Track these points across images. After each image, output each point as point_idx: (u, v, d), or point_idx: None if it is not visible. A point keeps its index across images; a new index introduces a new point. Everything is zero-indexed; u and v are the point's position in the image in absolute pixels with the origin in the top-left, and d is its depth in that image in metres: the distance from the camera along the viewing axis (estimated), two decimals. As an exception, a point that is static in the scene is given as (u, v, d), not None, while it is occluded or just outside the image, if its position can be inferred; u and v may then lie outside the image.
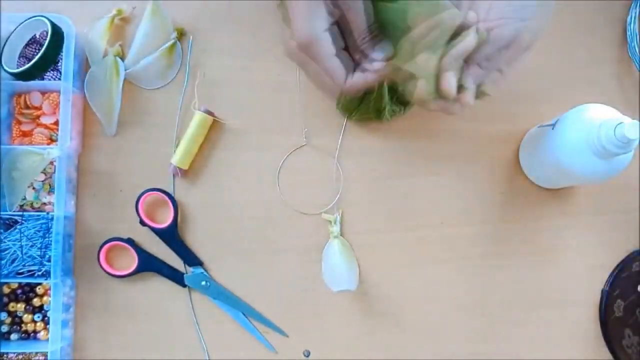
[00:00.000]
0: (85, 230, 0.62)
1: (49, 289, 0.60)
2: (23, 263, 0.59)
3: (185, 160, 0.62)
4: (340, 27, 0.48)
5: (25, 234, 0.59)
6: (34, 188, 0.61)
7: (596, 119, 0.49)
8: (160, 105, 0.63)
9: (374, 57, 0.47)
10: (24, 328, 0.60)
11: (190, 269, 0.62)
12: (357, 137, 0.63)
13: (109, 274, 0.61)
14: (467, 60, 0.46)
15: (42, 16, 0.61)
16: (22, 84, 0.61)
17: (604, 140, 0.48)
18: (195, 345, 0.61)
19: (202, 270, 0.62)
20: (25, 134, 0.62)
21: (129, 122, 0.63)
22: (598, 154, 0.49)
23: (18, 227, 0.59)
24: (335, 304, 0.61)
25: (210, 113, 0.62)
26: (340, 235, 0.62)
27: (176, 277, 0.61)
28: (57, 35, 0.60)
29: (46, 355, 0.58)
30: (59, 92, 0.61)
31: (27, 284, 0.60)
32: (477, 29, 0.45)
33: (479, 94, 0.48)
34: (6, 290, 0.61)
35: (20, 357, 0.60)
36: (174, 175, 0.63)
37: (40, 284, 0.60)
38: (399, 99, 0.60)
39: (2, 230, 0.59)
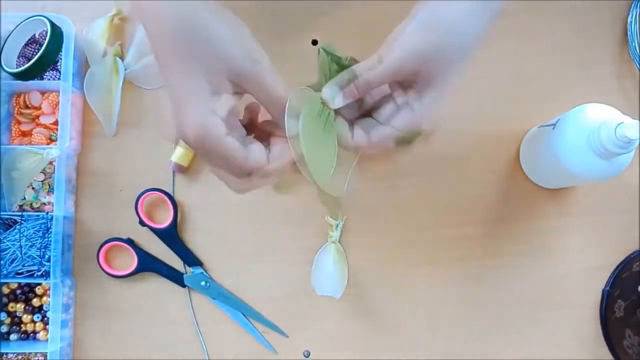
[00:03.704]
0: (84, 230, 0.62)
1: (49, 289, 0.60)
2: (22, 263, 0.59)
3: (185, 158, 0.62)
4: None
5: (25, 234, 0.59)
6: (33, 188, 0.61)
7: (596, 119, 0.49)
8: (160, 105, 0.63)
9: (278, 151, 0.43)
10: (23, 328, 0.60)
11: (189, 269, 0.62)
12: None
13: (108, 274, 0.61)
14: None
15: (41, 16, 0.61)
16: (21, 84, 0.61)
17: (604, 140, 0.48)
18: (195, 345, 0.61)
19: (202, 270, 0.62)
20: (24, 134, 0.62)
21: (129, 122, 0.63)
22: (598, 154, 0.49)
23: (17, 227, 0.59)
24: (335, 304, 0.61)
25: None
26: (338, 241, 0.62)
27: (176, 277, 0.61)
28: (57, 35, 0.60)
29: (46, 356, 0.58)
30: (58, 92, 0.61)
31: (27, 284, 0.60)
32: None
33: (413, 136, 0.46)
34: (6, 290, 0.60)
35: (20, 357, 0.60)
36: (173, 172, 0.63)
37: (39, 284, 0.60)
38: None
39: (1, 230, 0.59)
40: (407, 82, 0.44)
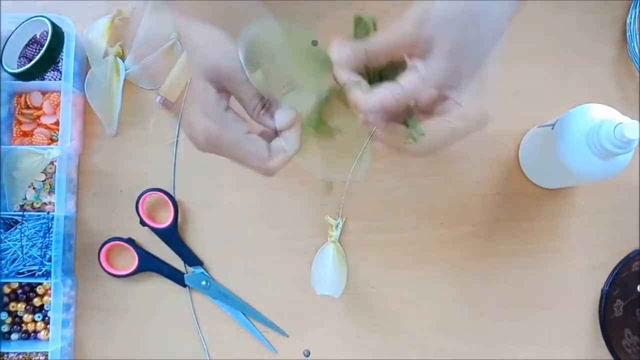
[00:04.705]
0: (85, 230, 0.63)
1: (50, 288, 0.60)
2: (23, 263, 0.59)
3: (173, 91, 0.61)
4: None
5: (26, 233, 0.59)
6: (34, 188, 0.61)
7: (596, 119, 0.49)
8: (160, 105, 0.63)
9: (279, 122, 0.45)
10: (24, 328, 0.61)
11: (190, 269, 0.62)
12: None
13: (109, 273, 0.61)
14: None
15: (42, 16, 0.61)
16: (22, 84, 0.62)
17: (603, 140, 0.48)
18: (195, 345, 0.61)
19: (202, 270, 0.62)
20: (25, 134, 0.62)
21: (129, 122, 0.63)
22: (597, 154, 0.49)
23: (18, 227, 0.59)
24: (335, 304, 0.61)
25: None
26: (338, 241, 0.62)
27: (176, 277, 0.62)
28: (58, 35, 0.60)
29: (46, 355, 0.58)
30: (59, 92, 0.61)
31: (28, 284, 0.61)
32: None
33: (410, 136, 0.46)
34: (7, 290, 0.61)
35: (21, 357, 0.60)
36: (174, 173, 0.63)
37: (40, 283, 0.60)
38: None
39: (2, 230, 0.59)
40: (422, 52, 0.42)
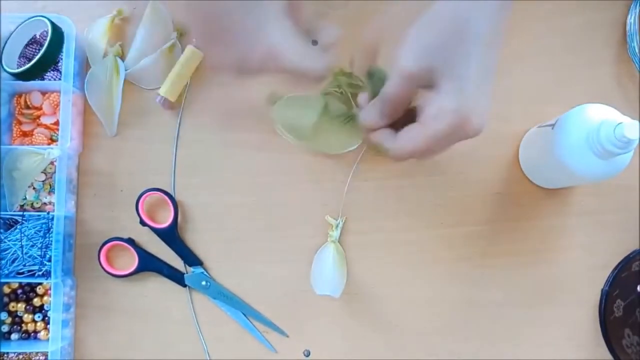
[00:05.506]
0: (85, 230, 0.63)
1: (50, 288, 0.60)
2: (23, 263, 0.59)
3: (173, 91, 0.62)
4: None
5: (26, 233, 0.59)
6: (34, 188, 0.61)
7: (596, 119, 0.49)
8: (160, 105, 0.63)
9: (327, 32, 0.47)
10: (24, 328, 0.61)
11: (190, 269, 0.62)
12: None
13: (109, 273, 0.61)
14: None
15: (42, 16, 0.61)
16: (22, 84, 0.62)
17: (603, 140, 0.48)
18: (196, 345, 0.61)
19: (202, 270, 0.62)
20: (25, 134, 0.62)
21: (129, 122, 0.63)
22: (598, 154, 0.49)
23: (18, 227, 0.59)
24: (336, 304, 0.61)
25: None
26: (338, 241, 0.62)
27: (176, 277, 0.62)
28: (58, 35, 0.60)
29: (46, 355, 0.58)
30: (59, 92, 0.61)
31: (28, 284, 0.61)
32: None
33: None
34: (6, 290, 0.61)
35: (21, 357, 0.60)
36: (174, 173, 0.63)
37: (40, 283, 0.60)
38: None
39: (2, 230, 0.59)
40: (434, 82, 0.44)
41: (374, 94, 0.50)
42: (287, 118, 0.58)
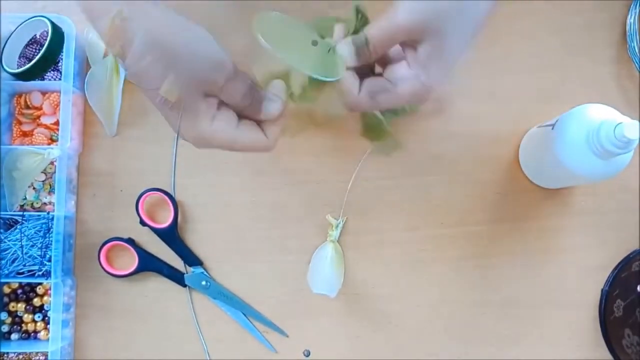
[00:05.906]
0: (85, 230, 0.63)
1: (50, 288, 0.60)
2: (23, 263, 0.59)
3: (173, 91, 0.61)
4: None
5: (26, 233, 0.59)
6: (34, 188, 0.61)
7: (596, 119, 0.49)
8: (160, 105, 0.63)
9: (269, 112, 0.46)
10: (24, 328, 0.61)
11: (190, 269, 0.62)
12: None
13: (109, 273, 0.61)
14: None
15: (42, 16, 0.61)
16: (22, 84, 0.62)
17: (603, 140, 0.48)
18: (196, 345, 0.61)
19: (202, 270, 0.62)
20: (25, 134, 0.62)
21: (129, 122, 0.63)
22: (597, 154, 0.49)
23: (18, 227, 0.59)
24: (335, 304, 0.61)
25: None
26: (337, 241, 0.62)
27: (176, 277, 0.62)
28: (58, 35, 0.60)
29: (46, 355, 0.58)
30: (59, 92, 0.61)
31: (28, 284, 0.61)
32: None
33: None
34: (6, 290, 0.61)
35: (21, 357, 0.60)
36: (174, 173, 0.63)
37: (40, 283, 0.60)
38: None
39: (2, 230, 0.59)
40: (416, 43, 0.44)
41: (355, 31, 0.48)
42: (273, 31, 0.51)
